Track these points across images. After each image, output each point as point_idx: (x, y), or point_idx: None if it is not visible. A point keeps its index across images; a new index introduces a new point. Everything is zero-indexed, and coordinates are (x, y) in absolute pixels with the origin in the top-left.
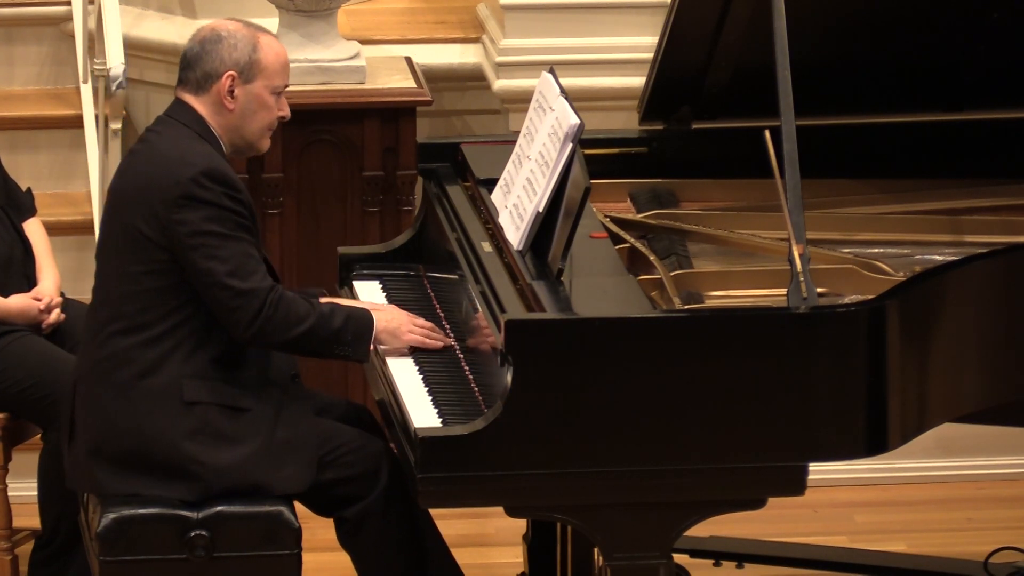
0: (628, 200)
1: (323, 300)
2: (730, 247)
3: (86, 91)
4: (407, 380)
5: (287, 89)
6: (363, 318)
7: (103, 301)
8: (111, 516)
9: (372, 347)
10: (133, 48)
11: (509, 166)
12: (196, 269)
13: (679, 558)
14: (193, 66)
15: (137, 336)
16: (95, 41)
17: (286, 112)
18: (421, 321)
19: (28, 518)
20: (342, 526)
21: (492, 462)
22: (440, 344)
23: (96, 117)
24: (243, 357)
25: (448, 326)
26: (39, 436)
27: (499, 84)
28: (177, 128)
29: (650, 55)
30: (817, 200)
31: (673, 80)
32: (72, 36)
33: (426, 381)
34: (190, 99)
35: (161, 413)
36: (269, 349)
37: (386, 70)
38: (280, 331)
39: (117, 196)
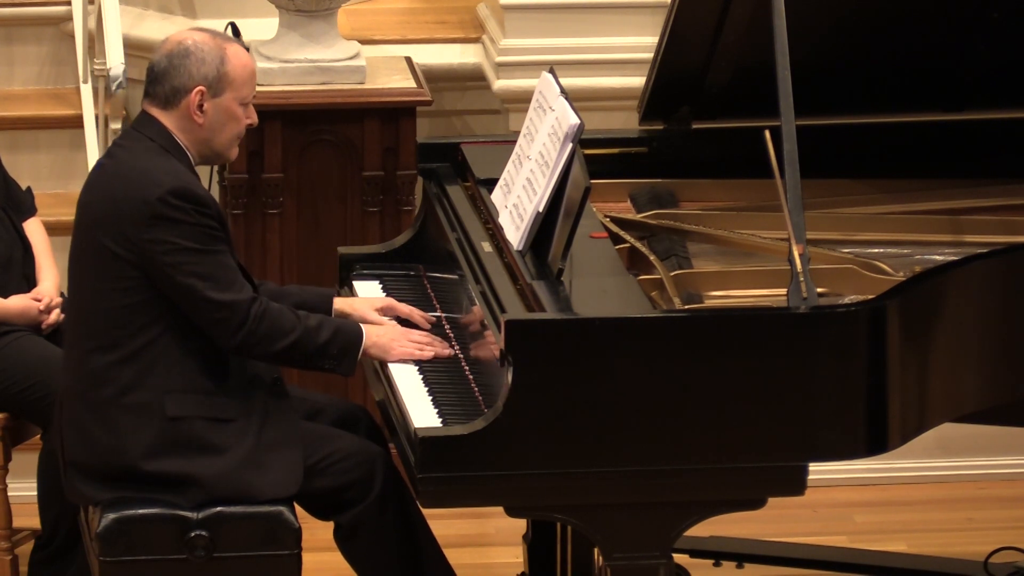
0: (628, 200)
1: (335, 300)
2: (730, 247)
3: (86, 91)
4: (407, 380)
5: (288, 88)
6: (352, 333)
7: (78, 318)
8: (111, 516)
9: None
10: (133, 48)
11: (509, 166)
12: (175, 285)
13: (679, 558)
14: (161, 81)
15: (113, 354)
16: (95, 41)
17: (254, 120)
18: (417, 335)
19: (28, 518)
20: (338, 531)
21: (492, 462)
22: (432, 354)
23: (96, 117)
24: (224, 367)
25: (448, 326)
26: (39, 436)
27: (499, 84)
28: (143, 142)
29: (650, 55)
30: (817, 200)
31: (673, 80)
32: (72, 36)
33: (426, 381)
34: (157, 113)
35: (144, 430)
36: (254, 359)
37: (386, 70)
38: (265, 343)
39: (85, 211)
